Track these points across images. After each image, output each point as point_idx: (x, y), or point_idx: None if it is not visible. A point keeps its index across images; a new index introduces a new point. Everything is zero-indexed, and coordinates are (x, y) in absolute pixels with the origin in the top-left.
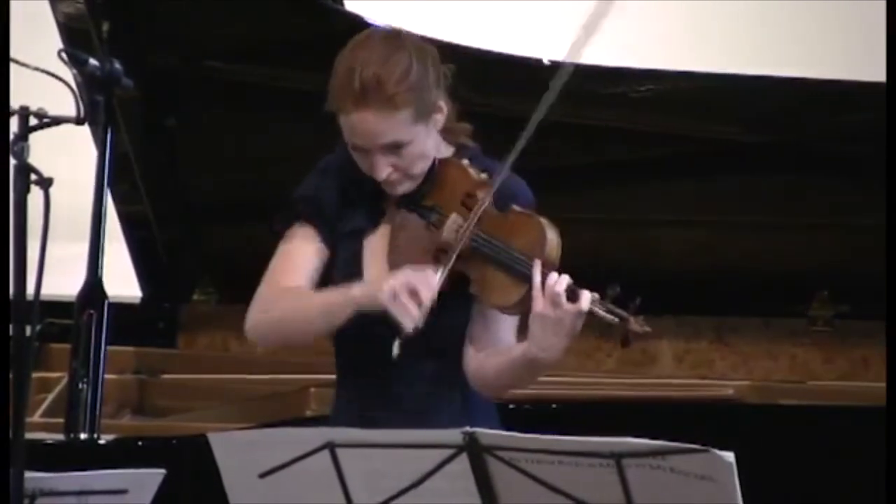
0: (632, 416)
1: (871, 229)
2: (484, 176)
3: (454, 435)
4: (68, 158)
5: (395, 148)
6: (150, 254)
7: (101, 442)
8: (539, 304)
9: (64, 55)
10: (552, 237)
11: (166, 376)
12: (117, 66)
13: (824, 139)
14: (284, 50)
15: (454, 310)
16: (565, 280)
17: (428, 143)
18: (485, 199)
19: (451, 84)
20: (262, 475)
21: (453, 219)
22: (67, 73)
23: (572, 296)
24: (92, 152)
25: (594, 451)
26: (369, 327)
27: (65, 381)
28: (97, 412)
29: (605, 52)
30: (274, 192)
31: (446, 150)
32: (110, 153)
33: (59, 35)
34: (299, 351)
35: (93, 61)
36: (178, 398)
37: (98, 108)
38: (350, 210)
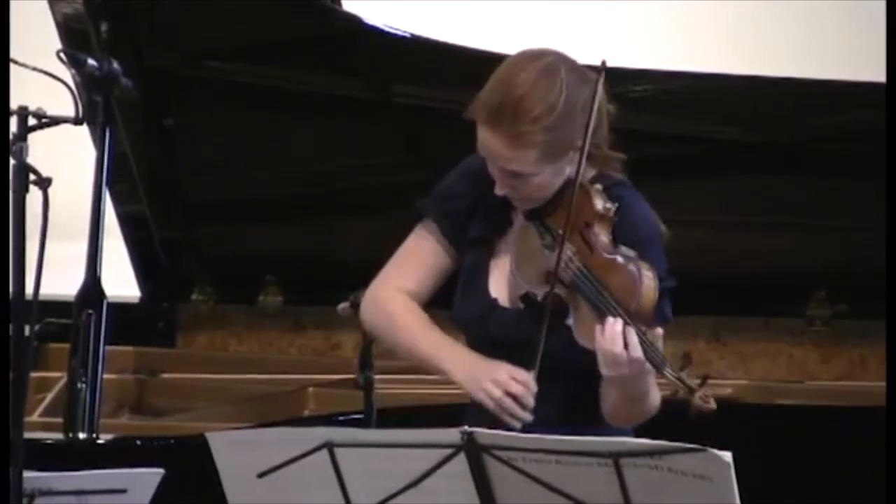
0: None
1: (869, 229)
2: (609, 206)
3: (452, 434)
4: (67, 158)
5: (516, 175)
6: (149, 253)
7: (100, 441)
8: (600, 349)
9: (63, 55)
10: (647, 290)
11: (165, 376)
12: (116, 66)
13: (824, 139)
14: (283, 50)
15: (562, 339)
16: (619, 340)
17: (555, 179)
18: (568, 225)
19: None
20: (261, 475)
21: (566, 247)
22: (66, 74)
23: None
24: (90, 152)
25: (592, 450)
26: (501, 348)
27: (64, 380)
28: (96, 412)
29: (602, 52)
30: (272, 192)
31: (587, 173)
32: (109, 153)
33: (58, 35)
34: (299, 351)
35: (91, 61)
36: (176, 398)
37: (97, 108)
38: (479, 215)
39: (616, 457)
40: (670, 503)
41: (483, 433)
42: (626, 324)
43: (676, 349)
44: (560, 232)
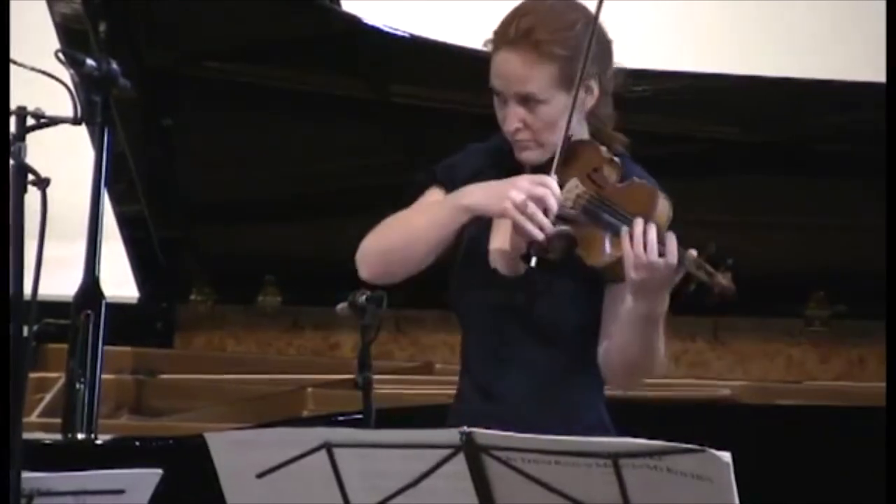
0: (628, 416)
1: (869, 229)
2: (617, 158)
3: (451, 435)
4: (65, 159)
5: (529, 102)
6: (148, 254)
7: (99, 442)
8: (629, 254)
9: (61, 55)
10: (663, 203)
11: (163, 376)
12: (114, 66)
13: (823, 139)
14: (282, 50)
15: (565, 300)
16: (653, 229)
17: (564, 116)
18: (568, 130)
19: (619, 85)
20: (260, 475)
21: (573, 182)
22: (65, 74)
23: (662, 251)
24: (89, 152)
25: (591, 451)
26: (489, 314)
27: (62, 381)
28: (94, 412)
29: None
30: (271, 193)
31: None
32: (107, 153)
33: (57, 35)
34: (297, 351)
35: (90, 61)
36: (175, 398)
37: (95, 108)
38: None
39: (615, 457)
40: (669, 503)
41: (482, 433)
42: (658, 229)
43: (675, 347)
44: (563, 178)
